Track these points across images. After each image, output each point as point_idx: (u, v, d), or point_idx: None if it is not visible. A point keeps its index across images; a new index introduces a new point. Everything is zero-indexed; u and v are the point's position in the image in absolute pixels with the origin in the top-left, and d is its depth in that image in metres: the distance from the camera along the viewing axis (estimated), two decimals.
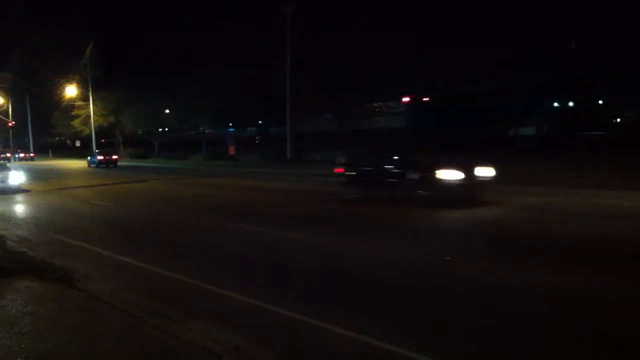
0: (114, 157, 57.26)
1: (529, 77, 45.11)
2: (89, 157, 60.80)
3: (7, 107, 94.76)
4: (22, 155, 74.44)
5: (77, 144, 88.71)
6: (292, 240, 13.32)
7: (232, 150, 55.48)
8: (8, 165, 31.70)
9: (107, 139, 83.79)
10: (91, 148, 74.51)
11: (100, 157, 56.49)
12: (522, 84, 45.13)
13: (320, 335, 6.95)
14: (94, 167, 55.71)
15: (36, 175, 42.05)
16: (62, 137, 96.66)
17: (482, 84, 46.16)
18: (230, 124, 77.94)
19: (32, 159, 76.10)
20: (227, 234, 14.65)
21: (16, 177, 27.92)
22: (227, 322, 7.41)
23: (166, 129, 79.23)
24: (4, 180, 26.88)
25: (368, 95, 52.49)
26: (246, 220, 16.54)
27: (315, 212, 18.57)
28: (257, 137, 76.67)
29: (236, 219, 17.01)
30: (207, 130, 69.65)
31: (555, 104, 53.12)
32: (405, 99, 45.72)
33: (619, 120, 52.96)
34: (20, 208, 22.23)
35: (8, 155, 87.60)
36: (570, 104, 52.68)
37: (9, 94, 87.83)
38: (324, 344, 6.71)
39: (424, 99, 44.90)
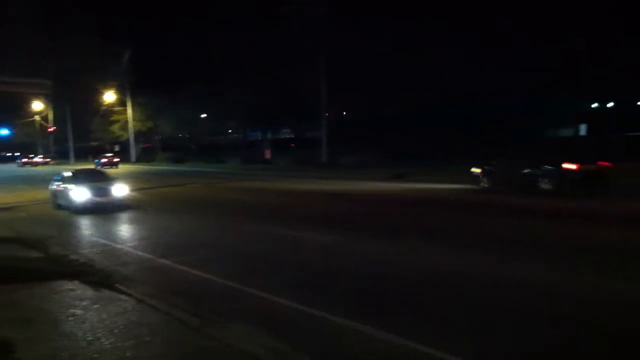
0: (115, 160, 69.20)
1: (559, 77, 44.34)
2: (95, 160, 70.56)
3: (48, 114, 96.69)
4: (105, 160, 74.80)
5: (116, 148, 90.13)
6: (336, 244, 13.35)
7: (267, 154, 55.77)
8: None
9: (147, 143, 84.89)
10: (129, 153, 75.71)
11: (103, 160, 68.57)
12: (557, 84, 44.43)
13: (359, 340, 6.93)
14: (99, 167, 60.01)
15: None
16: (101, 142, 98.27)
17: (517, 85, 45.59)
18: (265, 128, 78.35)
19: (116, 165, 75.33)
20: (267, 237, 14.70)
21: (121, 189, 22.52)
22: (266, 325, 7.46)
23: (202, 133, 79.88)
24: (106, 191, 22.00)
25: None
26: (286, 223, 16.66)
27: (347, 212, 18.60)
28: (292, 141, 76.95)
29: (282, 221, 17.13)
30: (241, 134, 70.19)
31: (594, 105, 52.25)
32: None
33: None
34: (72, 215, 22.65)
35: (48, 160, 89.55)
36: (609, 104, 51.70)
37: (50, 100, 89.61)
38: (364, 348, 6.70)
39: None
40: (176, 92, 68.97)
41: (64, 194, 22.50)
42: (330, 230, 14.93)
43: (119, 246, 13.93)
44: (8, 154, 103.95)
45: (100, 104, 78.85)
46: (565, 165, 21.50)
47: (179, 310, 8.14)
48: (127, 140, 78.07)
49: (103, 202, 21.37)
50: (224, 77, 64.41)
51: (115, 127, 79.34)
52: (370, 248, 12.72)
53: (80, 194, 21.29)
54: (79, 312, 8.04)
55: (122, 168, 63.54)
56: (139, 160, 73.71)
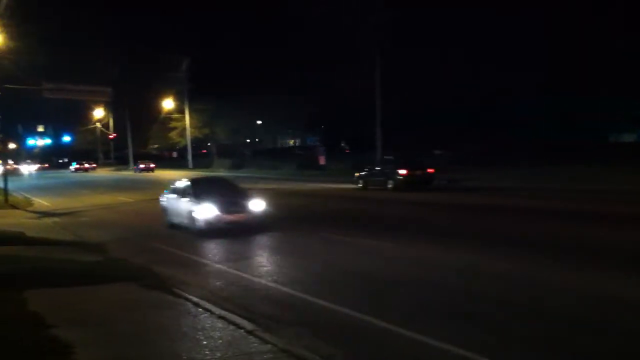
0: (151, 165, 73.72)
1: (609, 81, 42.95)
2: (134, 166, 77.87)
3: (109, 120, 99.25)
4: (142, 166, 77.49)
5: (174, 154, 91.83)
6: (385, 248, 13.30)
7: (322, 160, 55.76)
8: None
9: (202, 150, 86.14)
10: (186, 159, 77.03)
11: (142, 166, 73.32)
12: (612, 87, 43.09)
13: (416, 349, 6.86)
14: (138, 172, 71.69)
15: (134, 186, 43.78)
16: (158, 148, 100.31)
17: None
18: (320, 134, 78.53)
19: (152, 170, 77.61)
20: (324, 242, 14.72)
21: (258, 203, 17.39)
22: (321, 331, 7.44)
23: (257, 140, 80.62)
24: (241, 206, 17.10)
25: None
26: (342, 229, 16.66)
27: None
28: (346, 147, 76.84)
29: (338, 227, 17.13)
30: (296, 142, 70.61)
31: None
32: None
33: None
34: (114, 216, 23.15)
35: (94, 165, 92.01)
36: None
37: (110, 107, 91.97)
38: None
39: None
40: (233, 100, 69.78)
41: (179, 209, 17.95)
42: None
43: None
44: (63, 161, 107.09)
45: (159, 111, 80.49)
46: (400, 171, 29.79)
47: (233, 315, 8.19)
48: (185, 147, 79.36)
49: (237, 222, 16.66)
50: (279, 84, 64.90)
51: (173, 134, 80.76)
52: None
53: (204, 210, 16.38)
54: (135, 314, 8.17)
55: (180, 174, 64.57)
56: (195, 166, 74.79)
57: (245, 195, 18.18)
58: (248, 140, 77.73)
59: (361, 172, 32.82)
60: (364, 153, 53.09)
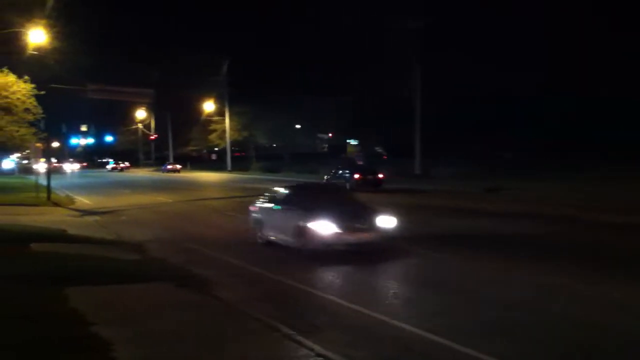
0: (178, 166, 79.25)
1: None
2: (162, 166, 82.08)
3: (150, 122, 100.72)
4: (169, 167, 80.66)
5: (213, 156, 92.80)
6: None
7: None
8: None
9: (241, 152, 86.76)
10: (225, 161, 77.78)
11: (169, 167, 78.82)
12: None
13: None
14: (165, 172, 75.79)
15: (173, 187, 44.30)
16: (198, 150, 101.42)
17: None
18: (358, 138, 78.46)
19: (178, 171, 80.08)
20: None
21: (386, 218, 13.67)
22: (356, 337, 7.42)
23: (295, 144, 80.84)
24: (365, 222, 13.47)
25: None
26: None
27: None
28: (384, 153, 76.60)
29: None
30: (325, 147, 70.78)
31: None
32: None
33: None
34: (164, 216, 23.41)
35: (121, 165, 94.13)
36: None
37: (152, 109, 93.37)
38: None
39: None
40: (272, 103, 70.25)
41: (280, 223, 14.55)
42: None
43: None
44: (104, 160, 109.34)
45: (200, 113, 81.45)
46: (354, 175, 36.37)
47: (269, 318, 8.21)
48: (224, 149, 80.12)
49: (361, 243, 13.21)
50: (318, 88, 65.17)
51: (213, 136, 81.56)
52: None
53: (319, 227, 12.86)
54: (172, 313, 8.24)
55: (218, 176, 65.19)
56: (234, 168, 75.41)
57: (366, 207, 14.72)
58: (286, 145, 78.01)
59: (329, 175, 39.71)
60: (401, 158, 52.85)
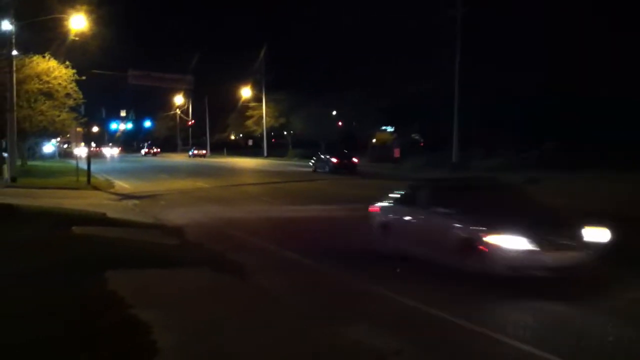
0: (203, 152, 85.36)
1: None
2: (189, 151, 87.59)
3: (188, 107, 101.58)
4: (195, 152, 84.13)
5: (250, 142, 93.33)
6: None
7: (396, 153, 55.31)
8: None
9: (278, 139, 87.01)
10: (262, 147, 78.16)
11: (195, 152, 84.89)
12: None
13: (490, 346, 6.70)
14: (192, 158, 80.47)
15: (210, 172, 44.63)
16: (236, 137, 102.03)
17: None
18: (395, 126, 77.94)
19: (203, 156, 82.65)
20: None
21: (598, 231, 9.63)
22: (391, 325, 7.37)
23: (332, 131, 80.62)
24: (571, 238, 9.45)
25: None
26: None
27: None
28: (420, 140, 75.97)
29: None
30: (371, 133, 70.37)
31: None
32: None
33: None
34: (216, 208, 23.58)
35: (154, 150, 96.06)
36: None
37: (190, 95, 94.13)
38: (490, 354, 6.47)
39: None
40: (309, 91, 70.16)
41: (425, 232, 10.79)
42: None
43: None
44: (143, 145, 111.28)
45: (237, 99, 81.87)
46: (332, 159, 43.23)
47: (305, 305, 8.21)
48: (260, 135, 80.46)
49: (567, 267, 9.21)
50: (354, 76, 64.83)
51: (250, 123, 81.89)
52: None
53: (505, 241, 9.08)
54: (210, 298, 8.29)
55: (254, 162, 65.50)
56: (270, 155, 75.70)
57: (562, 213, 11.14)
58: (323, 132, 77.82)
59: (313, 160, 47.07)
60: (438, 147, 52.32)
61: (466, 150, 46.58)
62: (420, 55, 53.36)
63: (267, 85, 75.24)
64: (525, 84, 46.05)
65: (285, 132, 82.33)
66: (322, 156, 45.43)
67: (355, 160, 44.73)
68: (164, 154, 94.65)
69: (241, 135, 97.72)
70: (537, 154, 42.74)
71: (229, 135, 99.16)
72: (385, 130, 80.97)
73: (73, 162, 38.73)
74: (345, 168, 41.59)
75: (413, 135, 77.39)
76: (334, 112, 73.80)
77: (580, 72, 43.14)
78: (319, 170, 43.75)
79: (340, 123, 73.69)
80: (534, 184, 29.97)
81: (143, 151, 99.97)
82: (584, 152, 39.26)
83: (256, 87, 77.74)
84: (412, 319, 7.84)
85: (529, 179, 30.99)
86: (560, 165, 36.19)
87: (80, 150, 36.26)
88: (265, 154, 76.77)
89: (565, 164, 36.20)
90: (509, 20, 47.73)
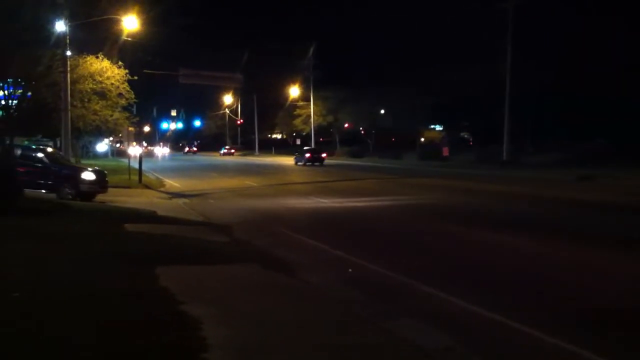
0: (232, 150, 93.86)
1: None
2: (221, 150, 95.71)
3: (237, 106, 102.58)
4: (224, 151, 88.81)
5: (297, 141, 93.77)
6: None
7: (445, 151, 54.86)
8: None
9: (325, 137, 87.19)
10: (309, 145, 78.51)
11: (225, 150, 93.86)
12: None
13: (534, 345, 6.55)
14: (223, 155, 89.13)
15: (259, 171, 44.97)
16: (283, 134, 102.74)
17: None
18: (444, 124, 77.32)
19: (232, 154, 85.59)
20: (442, 236, 14.44)
21: None
22: (439, 323, 7.27)
23: (380, 128, 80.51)
24: None
25: None
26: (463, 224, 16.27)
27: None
28: (470, 139, 75.19)
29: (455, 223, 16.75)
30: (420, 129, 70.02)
31: None
32: None
33: None
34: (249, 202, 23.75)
35: (192, 149, 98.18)
36: None
37: (239, 94, 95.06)
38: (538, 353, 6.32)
39: None
40: (357, 88, 70.10)
41: None
42: None
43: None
44: (194, 144, 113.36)
45: (285, 98, 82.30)
46: (307, 154, 55.13)
47: (352, 302, 8.17)
48: (308, 134, 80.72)
49: None
50: (402, 72, 64.55)
51: (297, 121, 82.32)
52: None
53: None
54: (259, 295, 8.31)
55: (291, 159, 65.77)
56: None
57: None
58: (370, 129, 77.68)
59: (295, 154, 58.76)
60: (487, 144, 51.61)
61: (516, 147, 45.86)
62: (470, 52, 52.79)
63: (315, 83, 75.44)
64: (574, 81, 45.14)
65: (331, 130, 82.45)
66: (300, 153, 58.78)
67: (323, 155, 57.69)
68: (211, 152, 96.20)
69: (290, 137, 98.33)
70: (589, 150, 41.71)
71: (276, 134, 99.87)
72: (434, 128, 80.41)
73: (125, 160, 39.45)
74: (315, 160, 54.61)
75: (462, 133, 76.64)
76: (382, 111, 73.57)
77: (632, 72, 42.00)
78: (299, 163, 56.06)
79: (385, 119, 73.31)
80: (587, 181, 29.42)
81: (186, 149, 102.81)
82: (636, 149, 38.26)
83: (304, 85, 78.01)
84: (461, 317, 7.73)
85: (582, 176, 30.39)
86: (613, 161, 35.22)
87: (135, 150, 36.86)
88: None
89: (618, 161, 35.26)
90: (558, 13, 46.79)
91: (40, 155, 22.53)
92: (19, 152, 22.48)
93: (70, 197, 20.57)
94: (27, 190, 19.39)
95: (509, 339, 6.84)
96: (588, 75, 44.42)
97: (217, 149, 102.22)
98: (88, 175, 21.57)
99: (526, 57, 44.72)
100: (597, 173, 30.79)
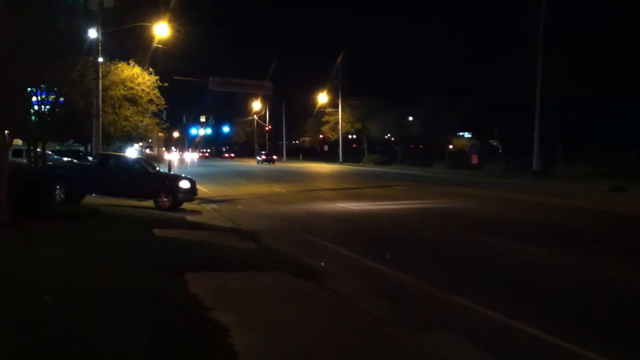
0: (231, 155, 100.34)
1: None
2: (258, 157, 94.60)
3: (265, 113, 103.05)
4: (226, 155, 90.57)
5: (325, 148, 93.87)
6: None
7: (474, 159, 54.41)
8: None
9: (353, 144, 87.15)
10: (337, 152, 78.45)
11: (225, 155, 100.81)
12: None
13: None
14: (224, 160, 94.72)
15: (286, 177, 45.04)
16: (311, 141, 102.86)
17: None
18: (473, 132, 76.83)
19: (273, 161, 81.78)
20: (475, 245, 14.31)
21: None
22: (470, 336, 7.17)
23: (409, 137, 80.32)
24: None
25: None
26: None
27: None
28: (499, 147, 74.57)
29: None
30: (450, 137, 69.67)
31: None
32: None
33: None
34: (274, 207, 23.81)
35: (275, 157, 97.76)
36: None
37: (267, 100, 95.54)
38: None
39: None
40: (386, 96, 70.07)
41: None
42: None
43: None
44: (223, 149, 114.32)
45: (313, 105, 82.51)
46: (262, 156, 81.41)
47: (379, 311, 8.12)
48: (336, 141, 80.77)
49: None
50: (432, 80, 64.41)
51: (325, 128, 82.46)
52: None
53: None
54: (287, 303, 8.30)
55: (330, 167, 65.74)
56: (345, 161, 75.86)
57: None
58: (399, 138, 77.46)
59: (257, 157, 74.82)
60: (517, 153, 51.04)
61: (547, 157, 45.29)
62: (501, 60, 52.41)
63: (343, 91, 75.55)
64: (608, 90, 44.54)
65: (359, 137, 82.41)
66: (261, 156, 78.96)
67: (275, 157, 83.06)
68: (243, 159, 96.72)
69: (319, 144, 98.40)
70: (623, 161, 40.97)
71: (304, 141, 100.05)
72: (463, 136, 79.90)
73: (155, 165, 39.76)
74: (269, 161, 77.80)
75: (491, 141, 76.03)
76: (410, 118, 73.33)
77: None
78: (259, 163, 74.47)
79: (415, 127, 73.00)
80: (620, 192, 28.92)
81: (260, 157, 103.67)
82: None
83: (333, 92, 78.15)
84: (490, 328, 7.63)
85: (615, 187, 29.87)
86: None
87: (172, 155, 37.03)
88: (341, 159, 76.96)
89: None
90: (590, 20, 46.26)
91: (137, 165, 23.20)
92: (112, 160, 23.29)
93: (168, 205, 21.00)
94: (118, 198, 20.14)
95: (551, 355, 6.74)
96: (623, 84, 43.84)
97: (247, 155, 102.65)
98: (185, 184, 21.89)
99: (558, 66, 44.19)
100: (631, 184, 30.27)
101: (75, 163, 30.89)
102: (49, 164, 26.59)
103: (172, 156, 34.50)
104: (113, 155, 26.17)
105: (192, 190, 22.13)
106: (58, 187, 20.38)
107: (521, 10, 44.51)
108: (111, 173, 21.71)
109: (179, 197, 21.49)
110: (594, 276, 10.64)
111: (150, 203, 21.40)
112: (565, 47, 45.59)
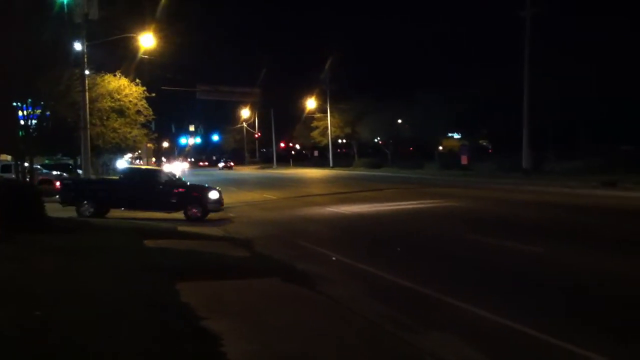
0: (231, 163, 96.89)
1: None
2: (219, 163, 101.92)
3: (254, 120, 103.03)
4: (222, 164, 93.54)
5: (315, 153, 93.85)
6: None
7: (464, 160, 54.44)
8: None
9: (343, 149, 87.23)
10: (327, 157, 78.44)
11: (221, 164, 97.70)
12: None
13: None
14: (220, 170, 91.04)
15: (276, 184, 44.99)
16: (302, 147, 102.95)
17: None
18: (463, 132, 76.96)
19: (231, 168, 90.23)
20: (468, 245, 14.31)
21: None
22: (466, 336, 7.16)
23: (398, 139, 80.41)
24: None
25: None
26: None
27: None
28: (489, 147, 74.73)
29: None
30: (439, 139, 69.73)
31: None
32: None
33: None
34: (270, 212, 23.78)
35: (228, 163, 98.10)
36: None
37: (256, 107, 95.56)
38: None
39: None
40: (374, 99, 70.09)
41: None
42: None
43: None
44: (213, 158, 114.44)
45: (302, 110, 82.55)
46: (222, 163, 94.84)
47: (375, 315, 8.10)
48: (326, 146, 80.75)
49: None
50: (420, 83, 64.52)
51: (315, 133, 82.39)
52: None
53: None
54: (281, 309, 8.26)
55: (320, 172, 65.70)
56: (335, 165, 75.83)
57: None
58: (389, 140, 77.55)
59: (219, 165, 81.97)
60: (507, 151, 51.10)
61: (538, 154, 45.34)
62: (488, 59, 52.53)
63: (332, 94, 75.54)
64: (597, 86, 44.64)
65: (349, 141, 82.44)
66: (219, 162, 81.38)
67: (232, 163, 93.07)
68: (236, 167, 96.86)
69: (308, 150, 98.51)
70: (613, 157, 41.06)
71: (294, 146, 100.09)
72: (452, 136, 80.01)
73: None
74: (228, 168, 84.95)
75: (481, 141, 76.16)
76: (399, 120, 73.33)
77: None
78: (219, 169, 79.32)
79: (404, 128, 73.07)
80: (610, 187, 29.03)
81: (221, 164, 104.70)
82: None
83: (321, 97, 78.19)
84: (486, 329, 7.60)
85: (604, 182, 30.00)
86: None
87: (174, 167, 36.69)
88: (331, 164, 76.92)
89: None
90: (575, 19, 46.45)
91: (165, 178, 23.36)
92: (139, 174, 23.76)
93: (199, 215, 21.26)
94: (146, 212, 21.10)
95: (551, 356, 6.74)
96: (612, 80, 43.98)
97: (238, 162, 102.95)
98: (214, 195, 22.13)
99: (544, 63, 44.35)
100: (621, 178, 30.37)
101: (104, 178, 31.05)
102: (78, 179, 26.81)
103: (175, 166, 34.37)
104: (140, 169, 26.21)
105: (220, 200, 22.33)
106: (85, 202, 20.93)
107: (509, 8, 44.57)
108: (139, 187, 21.71)
109: (209, 208, 21.74)
110: (589, 273, 10.67)
111: (150, 215, 21.36)
112: (553, 44, 45.79)
